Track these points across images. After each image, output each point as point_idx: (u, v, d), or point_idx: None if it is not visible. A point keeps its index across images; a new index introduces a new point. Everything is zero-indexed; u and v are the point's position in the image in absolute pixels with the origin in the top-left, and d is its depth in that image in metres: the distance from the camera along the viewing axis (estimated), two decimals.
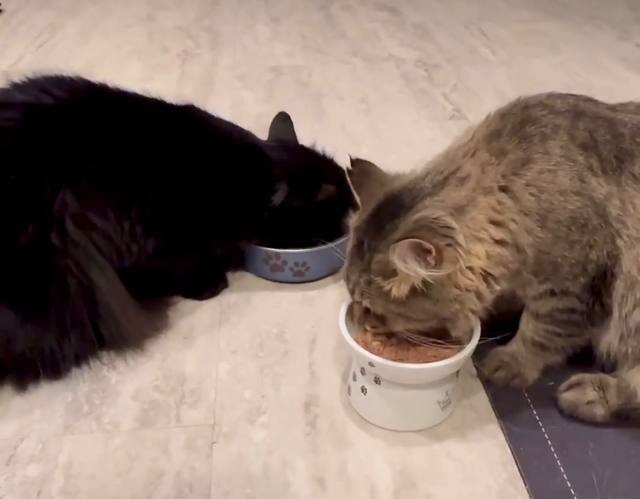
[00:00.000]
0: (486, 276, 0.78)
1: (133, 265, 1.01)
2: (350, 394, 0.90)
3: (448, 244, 0.73)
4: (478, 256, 0.77)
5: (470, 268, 0.76)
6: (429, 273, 0.73)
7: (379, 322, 0.82)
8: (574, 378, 0.88)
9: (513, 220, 0.78)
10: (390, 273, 0.76)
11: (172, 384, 0.94)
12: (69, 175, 0.94)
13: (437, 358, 0.83)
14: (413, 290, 0.76)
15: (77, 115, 1.00)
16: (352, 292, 0.82)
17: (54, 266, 0.92)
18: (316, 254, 1.10)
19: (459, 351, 0.83)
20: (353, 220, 0.84)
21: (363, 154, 1.47)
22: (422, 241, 0.72)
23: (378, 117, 1.75)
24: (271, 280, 1.13)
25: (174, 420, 0.88)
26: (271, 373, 0.96)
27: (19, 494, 0.79)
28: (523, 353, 0.90)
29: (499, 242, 0.78)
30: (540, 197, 0.78)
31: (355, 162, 0.89)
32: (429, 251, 0.72)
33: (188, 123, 1.10)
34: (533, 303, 0.86)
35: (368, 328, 0.83)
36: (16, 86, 1.03)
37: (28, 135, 0.95)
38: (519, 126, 0.81)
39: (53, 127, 0.97)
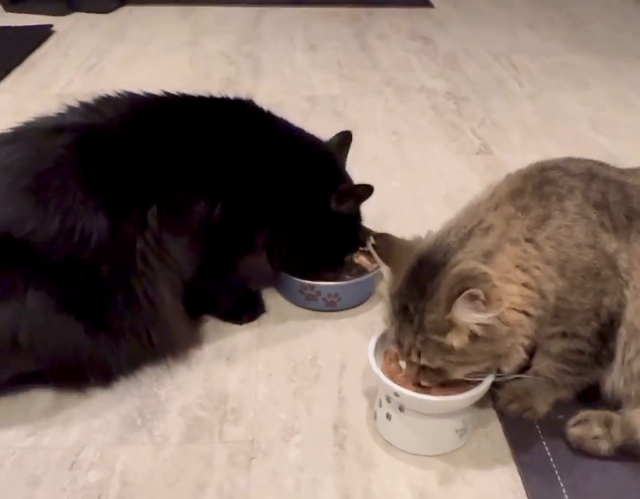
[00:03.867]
0: (525, 312, 0.87)
1: (188, 281, 1.10)
2: (376, 419, 0.99)
3: (491, 286, 0.82)
4: (512, 293, 0.85)
5: (512, 306, 0.85)
6: (487, 316, 0.82)
7: (436, 375, 0.89)
8: (582, 414, 0.96)
9: (537, 267, 0.87)
10: (446, 328, 0.84)
11: (215, 402, 1.04)
12: (153, 194, 1.04)
13: (455, 392, 0.92)
14: (472, 337, 0.84)
15: (155, 131, 1.09)
16: (407, 355, 0.89)
17: (126, 279, 1.01)
18: (348, 286, 1.20)
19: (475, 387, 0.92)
20: (388, 287, 0.92)
21: (394, 187, 1.57)
22: (472, 290, 0.80)
23: (409, 149, 1.84)
24: (305, 308, 1.23)
25: (217, 436, 0.98)
26: (304, 396, 1.05)
27: (81, 497, 0.89)
28: (535, 388, 0.99)
29: (526, 285, 0.87)
30: (559, 249, 0.88)
31: (377, 236, 0.98)
32: (477, 297, 0.81)
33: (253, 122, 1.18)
34: (546, 342, 0.95)
35: (426, 384, 0.90)
36: (73, 109, 1.12)
37: (118, 152, 1.05)
38: (538, 186, 0.90)
39: (136, 145, 1.06)
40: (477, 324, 0.83)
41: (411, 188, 1.64)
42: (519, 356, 0.89)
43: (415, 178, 1.69)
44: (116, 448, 0.96)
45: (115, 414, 1.01)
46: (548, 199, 0.89)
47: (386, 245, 0.96)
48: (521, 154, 1.78)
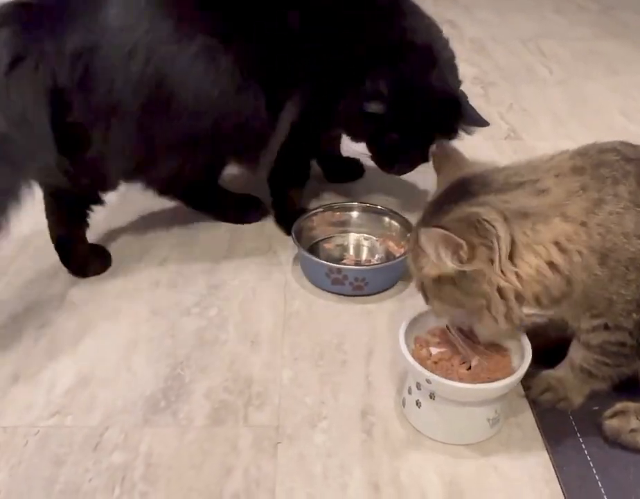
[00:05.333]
0: (519, 293, 0.83)
1: None
2: (404, 406, 0.97)
3: (483, 244, 0.80)
4: (529, 264, 0.82)
5: (515, 273, 0.82)
6: (455, 266, 0.81)
7: (422, 289, 0.90)
8: (619, 406, 0.93)
9: (579, 253, 0.83)
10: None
11: (240, 386, 1.02)
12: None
13: (490, 379, 0.89)
14: (445, 277, 0.84)
15: None
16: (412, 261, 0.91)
17: None
18: (375, 270, 1.18)
19: (509, 375, 0.89)
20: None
21: (420, 174, 1.54)
22: (453, 235, 0.79)
23: None
24: (331, 292, 1.21)
25: (242, 420, 0.96)
26: (330, 381, 1.03)
27: (105, 478, 0.88)
28: (570, 378, 0.96)
29: (553, 266, 0.83)
30: (606, 236, 0.83)
31: (440, 146, 0.98)
32: (460, 246, 0.79)
33: None
34: (585, 335, 0.91)
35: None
36: None
37: None
38: (595, 166, 0.87)
39: None
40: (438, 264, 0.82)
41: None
42: (494, 323, 0.85)
43: None
44: (140, 429, 0.95)
45: (139, 395, 1.00)
46: (603, 181, 0.85)
47: (444, 157, 0.95)
48: (551, 141, 1.74)
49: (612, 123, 1.86)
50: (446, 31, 1.32)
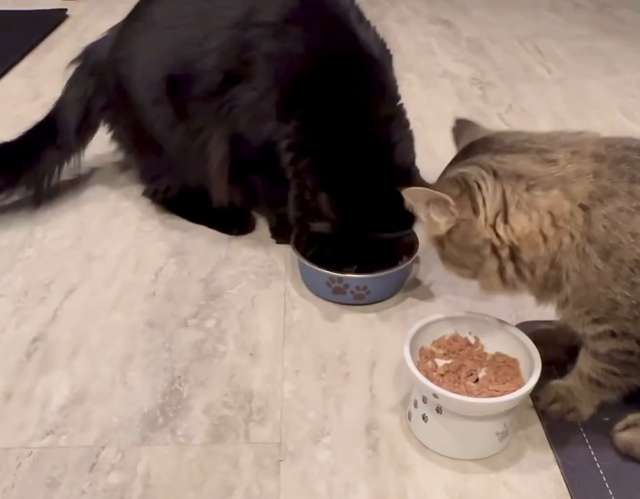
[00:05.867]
0: (513, 251, 0.84)
1: None
2: (410, 420, 0.94)
3: (469, 198, 0.83)
4: (521, 224, 0.83)
5: (493, 227, 0.83)
6: (442, 221, 0.85)
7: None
8: (631, 417, 0.90)
9: (571, 236, 0.82)
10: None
11: (241, 400, 0.99)
12: None
13: (498, 391, 0.86)
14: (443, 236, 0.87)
15: None
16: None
17: None
18: (377, 279, 1.15)
19: (518, 387, 0.86)
20: None
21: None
22: (433, 190, 0.83)
23: (433, 136, 1.77)
24: (332, 301, 1.18)
25: (243, 436, 0.93)
26: (333, 394, 1.00)
27: None
28: (579, 388, 0.93)
29: (543, 236, 0.83)
30: (611, 232, 0.81)
31: (457, 121, 0.99)
32: (447, 202, 0.82)
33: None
34: (592, 343, 0.89)
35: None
36: None
37: None
38: (617, 161, 0.84)
39: None
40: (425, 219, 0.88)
41: (437, 175, 1.57)
42: (489, 284, 0.88)
43: (441, 165, 1.60)
44: (137, 448, 0.92)
45: (136, 412, 0.97)
46: (620, 176, 0.83)
47: (463, 127, 0.97)
48: None
49: (613, 122, 1.84)
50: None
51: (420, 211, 0.88)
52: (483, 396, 0.86)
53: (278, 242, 1.32)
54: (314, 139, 1.14)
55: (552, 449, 0.92)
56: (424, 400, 0.89)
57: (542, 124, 1.82)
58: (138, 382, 1.02)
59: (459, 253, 0.88)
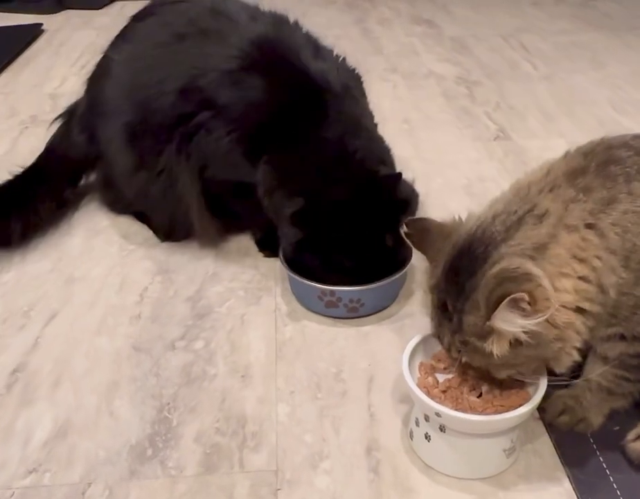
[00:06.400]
0: (579, 310, 0.77)
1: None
2: (412, 439, 0.90)
3: (536, 286, 0.72)
4: (567, 290, 0.75)
5: (563, 305, 0.75)
6: (533, 322, 0.72)
7: (480, 373, 0.82)
8: None
9: (598, 257, 0.77)
10: (486, 333, 0.75)
11: (233, 426, 0.94)
12: None
13: (503, 406, 0.82)
14: (515, 344, 0.75)
15: None
16: (448, 350, 0.82)
17: None
18: (371, 290, 1.10)
19: (524, 400, 0.82)
20: (426, 278, 0.84)
21: (409, 179, 1.47)
22: (514, 295, 0.71)
23: (422, 138, 1.74)
24: (325, 316, 1.13)
25: (237, 465, 0.88)
26: (330, 415, 0.95)
27: None
28: (588, 397, 0.89)
29: (583, 279, 0.77)
30: (625, 236, 0.77)
31: (409, 223, 0.88)
32: (522, 300, 0.71)
33: None
34: (601, 345, 0.85)
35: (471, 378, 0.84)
36: None
37: None
38: (603, 165, 0.80)
39: None
40: (522, 331, 0.74)
41: (428, 179, 1.53)
42: (571, 358, 0.79)
43: (432, 169, 1.59)
44: (126, 483, 0.86)
45: (123, 444, 0.92)
46: (614, 179, 0.79)
47: (422, 232, 0.87)
48: (542, 139, 1.68)
49: (603, 116, 1.80)
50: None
51: (504, 327, 0.73)
52: (488, 412, 0.82)
53: (266, 256, 1.27)
54: (283, 177, 1.14)
55: (562, 463, 0.87)
56: (427, 418, 0.85)
57: (531, 121, 1.79)
58: (125, 411, 0.97)
59: (536, 350, 0.76)
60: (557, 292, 0.75)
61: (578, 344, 0.78)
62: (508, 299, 0.71)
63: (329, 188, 1.09)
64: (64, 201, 1.41)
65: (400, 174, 1.13)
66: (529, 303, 0.72)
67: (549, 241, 0.76)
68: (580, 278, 0.76)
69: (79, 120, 1.37)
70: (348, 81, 1.23)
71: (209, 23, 1.23)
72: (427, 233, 0.86)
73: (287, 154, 1.13)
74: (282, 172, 1.13)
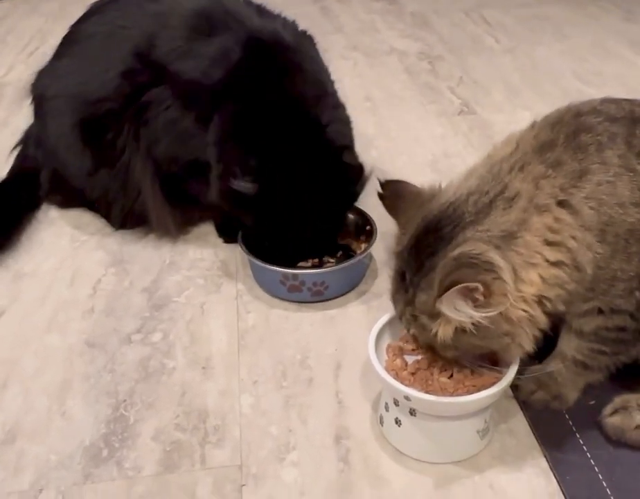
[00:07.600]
0: (540, 300, 0.73)
1: None
2: (382, 425, 0.86)
3: (495, 278, 0.68)
4: (531, 282, 0.71)
5: (522, 298, 0.71)
6: (483, 315, 0.68)
7: (429, 349, 0.78)
8: (618, 400, 0.83)
9: (573, 237, 0.73)
10: (435, 314, 0.72)
11: (194, 421, 0.89)
12: None
13: (475, 386, 0.78)
14: (460, 331, 0.71)
15: None
16: (400, 318, 0.80)
17: None
18: (335, 272, 1.06)
19: (496, 379, 0.78)
20: (394, 241, 0.80)
21: (373, 157, 1.42)
22: (467, 283, 0.67)
23: (385, 115, 1.69)
24: (288, 301, 1.08)
25: (198, 462, 0.84)
26: (297, 404, 0.91)
27: None
28: (563, 372, 0.86)
29: (555, 264, 0.73)
30: (600, 210, 0.73)
31: (385, 184, 0.84)
32: (476, 290, 0.67)
33: None
34: (576, 321, 0.81)
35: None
36: None
37: None
38: (572, 135, 0.76)
39: None
40: (468, 321, 0.70)
41: (392, 157, 1.49)
42: (522, 351, 0.76)
43: (396, 146, 1.55)
44: (80, 487, 0.81)
45: (76, 446, 0.86)
46: (585, 150, 0.75)
47: (396, 196, 0.83)
48: (507, 113, 1.65)
49: (568, 87, 1.78)
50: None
51: (449, 311, 0.70)
52: (460, 393, 0.78)
53: (225, 242, 1.22)
54: (241, 130, 1.09)
55: (538, 441, 0.84)
56: (396, 402, 0.81)
57: (495, 95, 1.76)
58: (78, 411, 0.91)
59: (483, 341, 0.73)
60: (521, 284, 0.71)
61: (528, 338, 0.74)
62: (460, 286, 0.67)
63: (283, 145, 1.06)
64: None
65: (348, 146, 1.13)
66: (483, 295, 0.68)
67: (518, 229, 0.72)
68: (552, 264, 0.72)
69: (33, 140, 1.33)
70: (299, 38, 1.20)
71: (150, 7, 1.20)
72: (401, 198, 0.82)
73: (240, 109, 1.09)
74: (235, 123, 1.09)
